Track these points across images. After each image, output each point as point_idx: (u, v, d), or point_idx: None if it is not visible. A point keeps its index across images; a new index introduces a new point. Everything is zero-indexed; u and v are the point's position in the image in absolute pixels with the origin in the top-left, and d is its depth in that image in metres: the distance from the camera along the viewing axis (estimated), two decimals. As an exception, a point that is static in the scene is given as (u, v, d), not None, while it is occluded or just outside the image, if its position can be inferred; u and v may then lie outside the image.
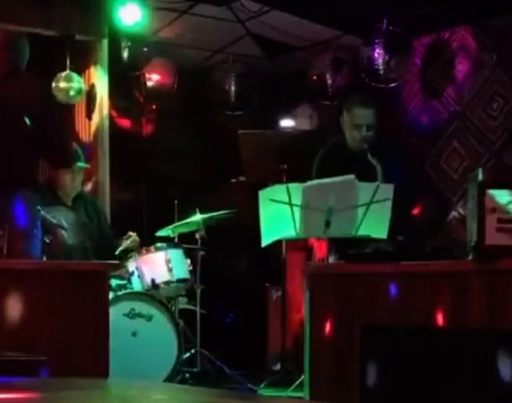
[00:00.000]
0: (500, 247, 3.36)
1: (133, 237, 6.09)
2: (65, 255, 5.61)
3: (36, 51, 7.24)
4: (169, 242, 6.36)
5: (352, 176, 4.47)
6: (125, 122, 8.09)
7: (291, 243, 6.57)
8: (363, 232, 4.52)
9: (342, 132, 5.51)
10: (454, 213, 6.82)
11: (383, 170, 5.14)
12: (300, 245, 6.65)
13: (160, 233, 6.40)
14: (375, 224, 4.53)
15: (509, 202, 3.35)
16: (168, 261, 6.14)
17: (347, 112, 5.41)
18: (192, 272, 6.30)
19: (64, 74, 6.87)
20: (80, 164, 6.06)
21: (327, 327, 4.05)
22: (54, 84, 6.86)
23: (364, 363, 3.83)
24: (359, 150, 5.33)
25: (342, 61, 7.61)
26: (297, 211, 4.42)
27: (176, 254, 6.24)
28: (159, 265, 6.14)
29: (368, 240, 4.44)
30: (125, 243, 6.09)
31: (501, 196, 3.37)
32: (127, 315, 5.83)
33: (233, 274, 8.06)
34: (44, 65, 7.19)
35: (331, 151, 5.57)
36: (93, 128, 7.15)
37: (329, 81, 7.60)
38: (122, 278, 6.07)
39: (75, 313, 4.34)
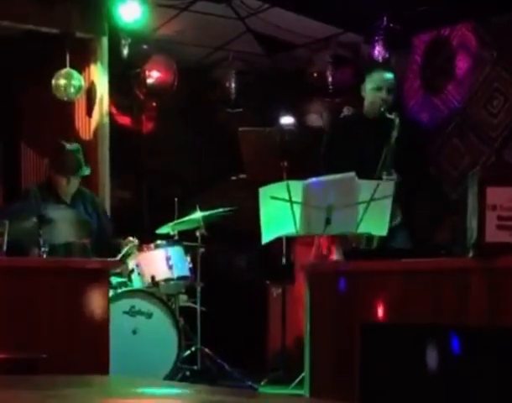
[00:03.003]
0: (500, 244, 3.35)
1: (132, 243, 6.08)
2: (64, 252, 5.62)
3: (36, 48, 7.28)
4: (170, 239, 6.35)
5: (352, 173, 4.46)
6: (125, 120, 8.08)
7: (300, 238, 6.56)
8: (363, 229, 4.52)
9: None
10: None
11: (400, 123, 5.22)
12: (308, 241, 6.64)
13: (160, 231, 6.39)
14: (375, 221, 4.53)
15: None
16: (168, 258, 6.14)
17: (368, 76, 5.50)
18: (192, 269, 6.29)
19: (64, 71, 6.86)
20: (81, 173, 6.00)
21: (327, 325, 4.05)
22: (53, 81, 6.86)
23: (364, 360, 3.82)
24: (376, 114, 5.38)
25: (343, 58, 7.60)
26: (297, 208, 4.41)
27: (176, 252, 6.23)
28: (159, 263, 6.13)
29: None
30: (125, 248, 6.05)
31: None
32: (127, 312, 5.83)
33: (234, 272, 8.06)
34: (43, 63, 7.20)
35: (336, 130, 5.75)
36: (93, 125, 7.14)
37: (329, 79, 7.60)
38: (122, 275, 6.07)
39: (76, 311, 4.34)
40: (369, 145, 5.30)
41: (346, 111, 7.09)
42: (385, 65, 5.91)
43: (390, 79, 5.47)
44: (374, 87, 5.43)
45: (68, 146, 5.99)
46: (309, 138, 6.58)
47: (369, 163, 5.09)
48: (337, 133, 5.66)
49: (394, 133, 5.21)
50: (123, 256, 6.04)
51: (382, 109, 5.33)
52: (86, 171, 6.01)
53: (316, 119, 8.09)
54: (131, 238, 6.11)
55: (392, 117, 5.26)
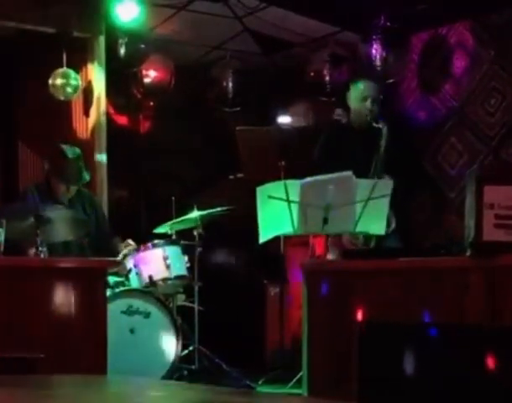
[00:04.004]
0: (498, 243, 3.35)
1: (131, 246, 6.08)
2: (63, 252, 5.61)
3: (33, 48, 7.28)
4: (167, 239, 6.35)
5: (349, 172, 4.46)
6: (122, 119, 8.08)
7: (292, 238, 6.58)
8: (361, 228, 4.52)
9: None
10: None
11: (388, 131, 5.27)
12: (300, 241, 6.66)
13: (158, 230, 6.39)
14: (373, 220, 4.52)
15: None
16: (165, 258, 6.13)
17: (353, 86, 5.57)
18: (190, 269, 6.29)
19: (61, 71, 6.85)
20: (82, 181, 5.98)
21: (325, 324, 4.05)
22: (51, 81, 6.85)
23: (362, 359, 3.82)
24: (362, 124, 5.44)
25: (340, 57, 7.60)
26: (295, 207, 4.41)
27: (174, 251, 6.23)
28: (156, 262, 6.13)
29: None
30: (123, 251, 6.05)
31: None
32: (124, 312, 5.82)
33: (231, 271, 8.06)
34: (41, 62, 7.20)
35: (332, 132, 5.80)
36: (90, 125, 7.14)
37: (327, 78, 7.59)
38: (119, 275, 6.06)
39: (73, 310, 4.34)
40: (359, 153, 5.35)
41: (337, 113, 7.12)
42: (370, 75, 5.98)
43: (375, 89, 5.54)
44: (359, 97, 5.51)
45: (69, 154, 5.89)
46: (307, 138, 6.58)
47: (360, 170, 5.09)
48: (332, 135, 5.69)
49: (383, 142, 5.28)
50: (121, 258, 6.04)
51: (368, 119, 5.40)
52: (86, 178, 5.99)
53: (297, 121, 8.11)
54: (129, 241, 6.11)
55: (380, 126, 5.31)
